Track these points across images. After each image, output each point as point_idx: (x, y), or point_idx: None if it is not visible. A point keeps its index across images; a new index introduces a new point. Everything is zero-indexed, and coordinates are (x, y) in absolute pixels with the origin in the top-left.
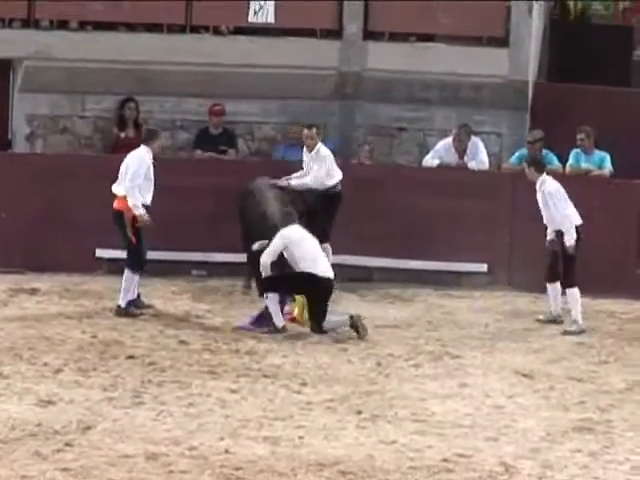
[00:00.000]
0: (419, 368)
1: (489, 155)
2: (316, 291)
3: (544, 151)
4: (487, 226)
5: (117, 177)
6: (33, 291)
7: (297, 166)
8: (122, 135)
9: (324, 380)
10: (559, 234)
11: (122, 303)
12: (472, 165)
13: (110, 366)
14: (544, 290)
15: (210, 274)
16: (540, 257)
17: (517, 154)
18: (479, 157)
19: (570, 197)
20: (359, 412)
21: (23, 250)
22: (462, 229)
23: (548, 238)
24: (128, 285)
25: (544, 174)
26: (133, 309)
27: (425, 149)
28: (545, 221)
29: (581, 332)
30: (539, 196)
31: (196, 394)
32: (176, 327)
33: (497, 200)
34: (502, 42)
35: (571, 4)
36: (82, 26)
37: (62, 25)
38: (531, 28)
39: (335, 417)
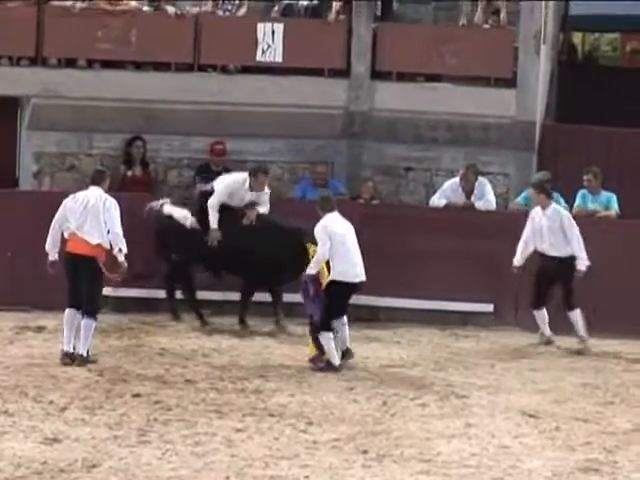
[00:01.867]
0: (425, 408)
1: (496, 195)
2: (344, 293)
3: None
4: (493, 266)
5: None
6: (39, 329)
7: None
8: (129, 173)
9: (330, 419)
10: (561, 260)
11: (84, 352)
12: (479, 205)
13: (116, 404)
14: (551, 330)
15: (215, 312)
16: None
17: (523, 194)
18: (486, 197)
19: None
20: (365, 452)
21: (29, 288)
22: (468, 269)
23: (541, 264)
24: (90, 333)
25: (553, 201)
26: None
27: (432, 189)
28: (546, 247)
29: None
30: (545, 222)
31: (202, 433)
32: (182, 366)
33: (504, 240)
34: (509, 83)
35: (579, 45)
36: (90, 64)
37: (70, 63)
38: (538, 69)
39: (341, 456)
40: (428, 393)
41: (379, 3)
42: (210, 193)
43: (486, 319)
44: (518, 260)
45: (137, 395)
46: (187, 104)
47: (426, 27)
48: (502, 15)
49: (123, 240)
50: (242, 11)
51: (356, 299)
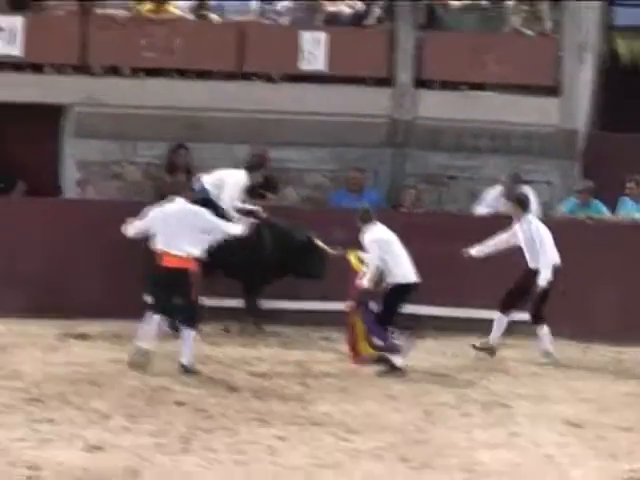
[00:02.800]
0: (468, 417)
1: (539, 204)
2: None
3: (594, 200)
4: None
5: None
6: (83, 336)
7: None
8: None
9: (372, 428)
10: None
11: (187, 362)
12: None
13: (159, 412)
14: (594, 339)
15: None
16: (591, 306)
17: (567, 203)
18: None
19: (628, 246)
20: (407, 460)
21: (73, 295)
22: (513, 277)
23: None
24: (191, 343)
25: (530, 213)
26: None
27: (474, 198)
28: (529, 261)
29: (554, 361)
30: (521, 235)
31: (245, 441)
32: (226, 373)
33: None
34: (553, 91)
35: (623, 54)
36: (134, 72)
37: (114, 71)
38: (582, 77)
39: (383, 465)
40: (471, 402)
41: (422, 11)
42: (203, 199)
43: (530, 327)
44: (477, 250)
45: (180, 403)
46: (230, 112)
47: (470, 35)
48: (546, 23)
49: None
50: (286, 19)
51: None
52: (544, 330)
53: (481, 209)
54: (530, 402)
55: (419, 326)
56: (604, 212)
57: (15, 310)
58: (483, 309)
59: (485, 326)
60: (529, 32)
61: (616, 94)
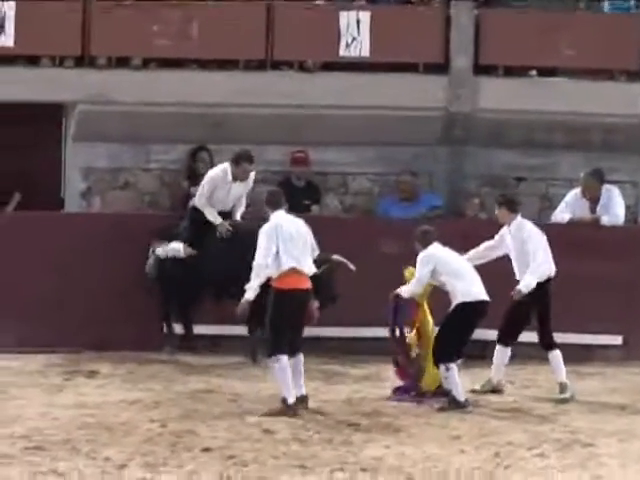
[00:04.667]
0: (545, 459)
1: (624, 207)
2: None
3: None
4: (622, 291)
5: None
6: (92, 374)
7: (402, 225)
8: (193, 190)
9: (433, 474)
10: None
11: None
12: (604, 221)
13: (183, 460)
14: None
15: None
16: None
17: None
18: (613, 211)
19: None
20: None
21: (81, 325)
22: (593, 295)
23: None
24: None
25: (519, 215)
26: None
27: (547, 201)
28: (516, 272)
29: (571, 397)
30: (511, 241)
31: None
32: (259, 413)
33: (634, 261)
34: (637, 76)
35: None
36: (145, 64)
37: (122, 63)
38: None
39: None
40: (547, 441)
41: None
42: (197, 208)
43: (614, 353)
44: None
45: (207, 449)
46: (259, 108)
47: (538, 13)
48: None
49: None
50: None
51: None
52: (554, 357)
53: (561, 214)
54: (617, 440)
55: (488, 353)
56: None
57: (11, 344)
58: (559, 332)
59: (561, 352)
60: (607, 9)
61: None
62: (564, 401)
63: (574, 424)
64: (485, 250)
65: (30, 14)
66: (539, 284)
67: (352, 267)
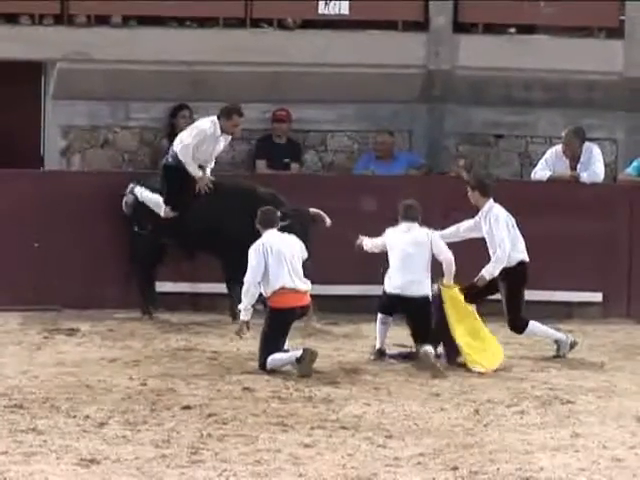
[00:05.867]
0: (524, 416)
1: (603, 165)
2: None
3: None
4: (602, 248)
5: None
6: (71, 332)
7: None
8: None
9: (413, 431)
10: (506, 270)
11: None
12: (584, 178)
13: (163, 418)
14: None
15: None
16: None
17: (635, 163)
18: (592, 168)
19: None
20: (455, 468)
21: (60, 284)
22: (573, 252)
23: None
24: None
25: (491, 199)
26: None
27: (527, 159)
28: (491, 254)
29: (574, 344)
30: (484, 226)
31: (264, 450)
32: (239, 371)
33: (613, 219)
34: (616, 33)
35: None
36: (125, 21)
37: (101, 21)
38: None
39: (427, 475)
40: (527, 399)
41: None
42: (173, 165)
43: (594, 310)
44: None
45: (187, 407)
46: (239, 66)
47: None
48: None
49: None
50: None
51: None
52: (532, 330)
53: (541, 172)
54: (596, 397)
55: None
56: None
57: None
58: (539, 289)
59: (540, 309)
60: None
61: None
62: (573, 345)
63: (553, 381)
64: (463, 231)
65: None
66: (510, 268)
67: (328, 221)
